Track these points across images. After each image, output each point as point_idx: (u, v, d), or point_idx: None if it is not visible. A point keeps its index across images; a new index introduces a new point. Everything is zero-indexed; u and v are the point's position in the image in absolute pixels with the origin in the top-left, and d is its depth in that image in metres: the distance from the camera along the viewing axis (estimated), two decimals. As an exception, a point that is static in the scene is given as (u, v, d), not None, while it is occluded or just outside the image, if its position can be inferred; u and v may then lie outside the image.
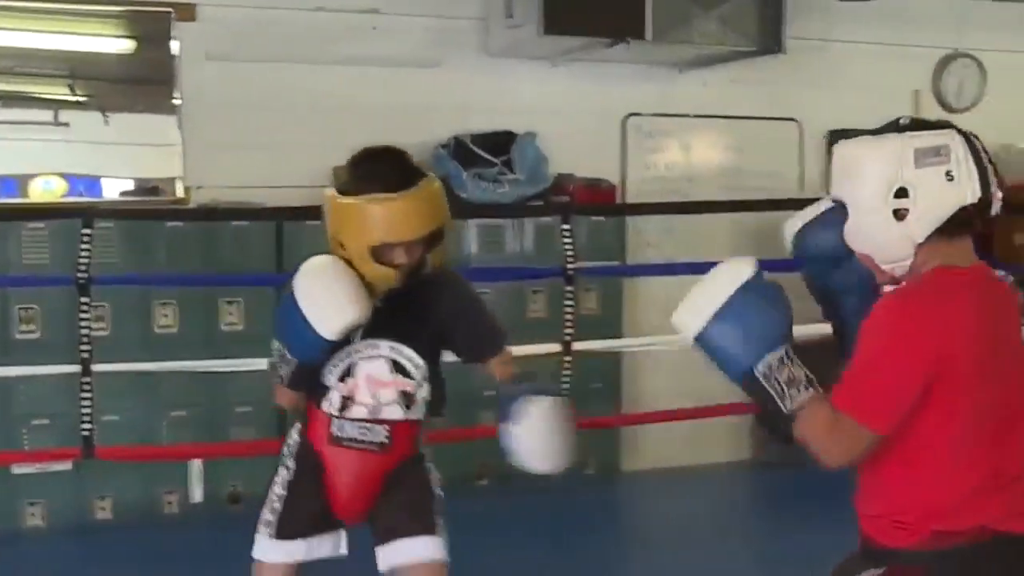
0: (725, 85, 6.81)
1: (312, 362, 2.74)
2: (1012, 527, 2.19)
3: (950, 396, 2.16)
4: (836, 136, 6.96)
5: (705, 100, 6.81)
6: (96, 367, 4.70)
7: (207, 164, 5.72)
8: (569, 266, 5.23)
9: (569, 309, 5.21)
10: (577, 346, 5.23)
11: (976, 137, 2.28)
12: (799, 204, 6.99)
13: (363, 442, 2.81)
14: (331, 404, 2.81)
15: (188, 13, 5.70)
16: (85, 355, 4.67)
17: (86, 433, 4.71)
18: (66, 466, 5.27)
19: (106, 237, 5.09)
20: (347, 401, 2.81)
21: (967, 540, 2.17)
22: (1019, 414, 2.23)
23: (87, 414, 4.69)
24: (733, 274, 2.28)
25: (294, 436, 2.93)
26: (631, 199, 6.61)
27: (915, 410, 2.16)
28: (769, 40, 6.29)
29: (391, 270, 2.69)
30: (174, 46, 5.67)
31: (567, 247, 5.25)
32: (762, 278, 2.27)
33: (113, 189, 5.69)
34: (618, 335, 5.92)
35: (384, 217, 2.64)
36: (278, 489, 2.88)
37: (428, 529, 2.81)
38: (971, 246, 2.27)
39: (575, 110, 6.50)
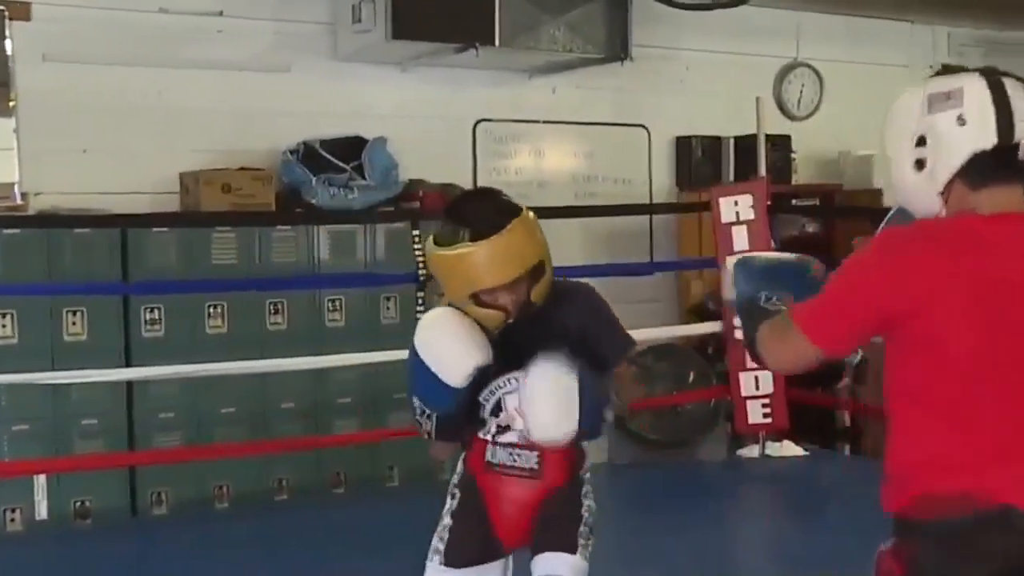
0: (574, 91, 6.93)
1: (451, 412, 2.75)
2: (1013, 500, 2.04)
3: (937, 342, 2.08)
4: (683, 142, 7.18)
5: (555, 106, 6.92)
6: (-69, 381, 4.56)
7: (46, 169, 5.57)
8: (421, 272, 5.26)
9: (421, 315, 5.24)
10: (430, 352, 5.27)
11: (1016, 79, 2.15)
12: (649, 209, 7.23)
13: (514, 468, 2.83)
14: (487, 431, 2.84)
15: (22, 12, 5.54)
16: (-81, 368, 4.52)
17: (-79, 450, 4.56)
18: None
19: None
20: (502, 429, 2.83)
21: (957, 509, 2.05)
22: None
23: (-79, 430, 4.55)
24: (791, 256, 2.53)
25: (459, 466, 2.96)
26: (482, 204, 6.63)
27: (904, 356, 2.11)
28: (616, 47, 6.41)
29: (498, 312, 2.72)
30: (7, 46, 5.51)
31: (418, 253, 5.28)
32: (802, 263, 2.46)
33: (-56, 194, 5.52)
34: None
35: (476, 265, 2.64)
36: (446, 519, 2.90)
37: (569, 548, 2.82)
38: (1013, 195, 2.14)
39: (425, 115, 6.52)
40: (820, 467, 6.34)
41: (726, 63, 7.27)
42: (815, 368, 2.28)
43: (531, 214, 2.73)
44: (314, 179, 5.85)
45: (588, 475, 2.94)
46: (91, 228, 5.32)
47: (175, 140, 5.86)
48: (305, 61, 6.19)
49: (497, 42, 6.00)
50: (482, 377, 2.73)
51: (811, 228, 7.30)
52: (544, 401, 2.63)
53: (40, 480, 5.16)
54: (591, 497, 2.92)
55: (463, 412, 2.77)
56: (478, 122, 6.72)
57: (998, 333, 2.07)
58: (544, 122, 6.90)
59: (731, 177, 7.04)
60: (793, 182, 7.36)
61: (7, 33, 5.50)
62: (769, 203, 5.97)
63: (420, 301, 5.27)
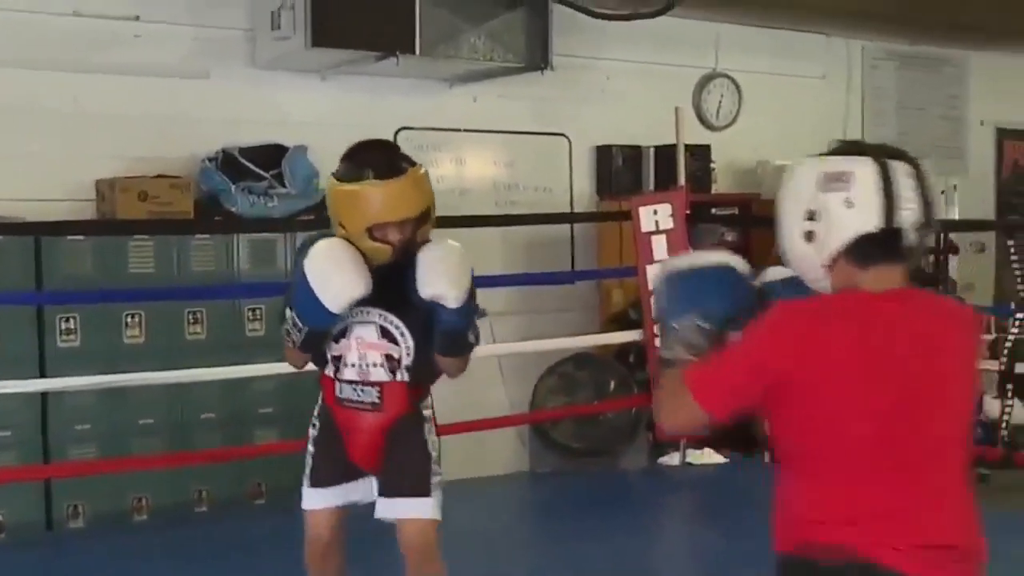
0: (495, 100, 6.94)
1: (322, 330, 3.17)
2: (879, 556, 2.17)
3: (827, 408, 2.21)
4: (604, 151, 7.23)
5: (476, 114, 6.92)
6: None
7: (-44, 175, 5.48)
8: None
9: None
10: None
11: (905, 161, 2.28)
12: (569, 218, 7.24)
13: (358, 402, 3.25)
14: (330, 368, 3.27)
15: (-70, 14, 5.45)
16: None
17: None
18: None
19: None
20: (337, 361, 3.25)
21: (828, 557, 2.19)
22: (939, 446, 2.24)
23: None
24: (716, 256, 2.51)
25: (319, 401, 3.38)
26: (404, 213, 6.63)
27: (798, 421, 2.25)
28: (536, 57, 6.43)
29: (386, 246, 3.12)
30: (-83, 50, 5.42)
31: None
32: (737, 273, 2.46)
33: None
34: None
35: (378, 200, 3.08)
36: (310, 447, 3.36)
37: (423, 491, 3.22)
38: (895, 274, 2.28)
39: (346, 123, 6.39)
40: (740, 474, 6.41)
41: (646, 73, 7.33)
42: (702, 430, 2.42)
43: (423, 168, 3.24)
44: (233, 187, 5.80)
45: (430, 412, 3.33)
46: (4, 236, 5.23)
47: (90, 146, 5.78)
48: (224, 68, 6.13)
49: (418, 51, 5.99)
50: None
51: (730, 237, 7.38)
52: (444, 262, 3.13)
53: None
54: (433, 433, 3.31)
55: (327, 332, 3.19)
56: (399, 130, 6.66)
57: (883, 403, 2.21)
58: (465, 131, 6.89)
59: (651, 186, 7.10)
60: (712, 191, 7.44)
61: (-84, 36, 5.40)
62: (688, 212, 6.03)
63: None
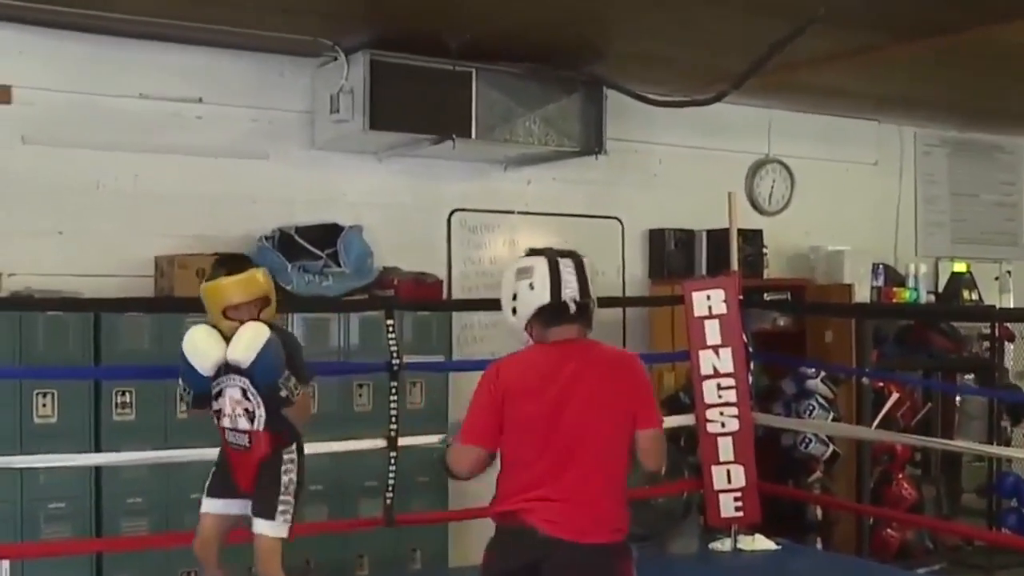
0: (548, 183, 7.02)
1: (202, 390, 4.31)
2: (532, 520, 3.33)
3: (508, 422, 3.36)
4: (656, 234, 7.25)
5: (529, 197, 7.00)
6: None
7: (21, 249, 5.58)
8: (394, 361, 5.27)
9: (394, 403, 5.26)
10: (403, 440, 5.28)
11: (570, 258, 3.44)
12: (621, 302, 7.22)
13: (235, 444, 4.33)
14: (217, 419, 4.36)
15: (3, 95, 5.56)
16: None
17: None
18: None
19: (-89, 325, 4.90)
20: (219, 414, 4.34)
21: (505, 522, 3.38)
22: (573, 452, 3.35)
23: None
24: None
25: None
26: (456, 293, 6.70)
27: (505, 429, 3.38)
28: (591, 141, 6.51)
29: (236, 323, 4.22)
30: (-14, 128, 5.55)
31: (391, 341, 5.29)
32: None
33: (-82, 275, 5.50)
34: (444, 429, 5.93)
35: (226, 290, 4.28)
36: (214, 466, 4.45)
37: (268, 514, 4.25)
38: (569, 330, 3.44)
39: (401, 204, 6.58)
40: (792, 561, 6.30)
41: (699, 158, 7.38)
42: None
43: (264, 271, 4.43)
44: (289, 266, 5.87)
45: (291, 455, 4.31)
46: (64, 311, 5.29)
47: (150, 224, 5.88)
48: (283, 148, 6.25)
49: (474, 134, 6.08)
50: (219, 372, 4.22)
51: (782, 322, 7.35)
52: (239, 336, 4.15)
53: (4, 565, 5.07)
54: (292, 472, 4.30)
55: (208, 392, 4.31)
56: (453, 212, 6.77)
57: (543, 411, 3.35)
58: (519, 213, 6.97)
59: (703, 270, 7.12)
60: (764, 276, 7.43)
61: (-14, 115, 5.53)
62: (741, 297, 6.00)
63: (393, 390, 5.26)
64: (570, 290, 3.38)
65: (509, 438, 3.39)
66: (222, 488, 4.41)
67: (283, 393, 4.23)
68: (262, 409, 4.27)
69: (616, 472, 3.46)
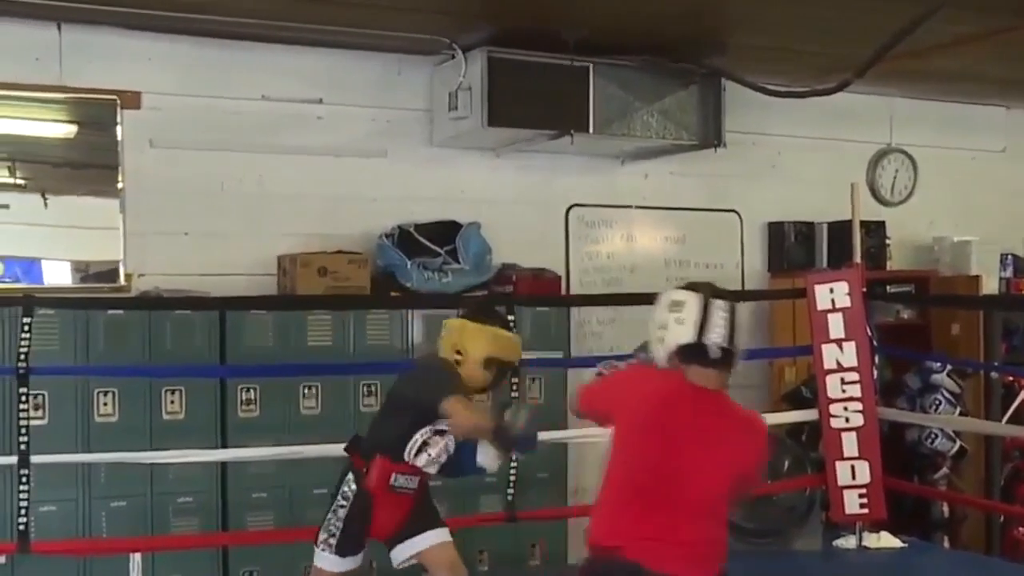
0: (666, 177, 6.94)
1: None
2: (637, 557, 3.23)
3: (617, 444, 3.33)
4: (776, 227, 7.11)
5: (647, 191, 6.93)
6: (35, 459, 4.62)
7: (149, 250, 5.69)
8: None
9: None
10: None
11: (723, 298, 3.32)
12: (740, 295, 7.15)
13: (405, 489, 4.01)
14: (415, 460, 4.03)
15: (133, 100, 5.68)
16: (23, 446, 4.58)
17: (22, 527, 4.61)
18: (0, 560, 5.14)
19: (46, 323, 5.00)
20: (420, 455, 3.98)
21: (605, 556, 3.29)
22: (694, 505, 3.28)
23: (24, 507, 4.59)
24: None
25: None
26: (574, 288, 6.66)
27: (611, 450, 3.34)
28: (709, 134, 6.41)
29: (485, 381, 4.03)
30: (118, 132, 5.65)
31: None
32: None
33: (53, 273, 5.64)
34: (563, 426, 5.90)
35: (516, 347, 4.13)
36: (342, 524, 4.03)
37: (433, 524, 4.10)
38: (709, 375, 3.32)
39: (519, 200, 6.56)
40: (918, 559, 6.13)
41: (819, 148, 7.24)
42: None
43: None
44: (409, 263, 5.90)
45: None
46: (191, 310, 5.38)
47: (273, 223, 5.95)
48: (401, 147, 6.26)
49: (591, 129, 6.03)
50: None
51: (906, 315, 7.16)
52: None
53: (136, 558, 5.16)
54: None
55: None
56: (571, 207, 6.74)
57: (670, 451, 3.25)
58: (636, 207, 6.91)
59: (824, 262, 6.98)
60: (887, 268, 7.24)
61: (119, 120, 5.65)
62: (864, 290, 5.85)
63: (514, 387, 5.24)
64: (716, 335, 3.28)
65: (623, 461, 3.34)
66: (356, 545, 4.07)
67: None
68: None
69: (723, 532, 3.45)
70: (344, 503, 4.04)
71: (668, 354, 3.32)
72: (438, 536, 4.06)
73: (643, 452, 3.29)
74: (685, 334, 3.27)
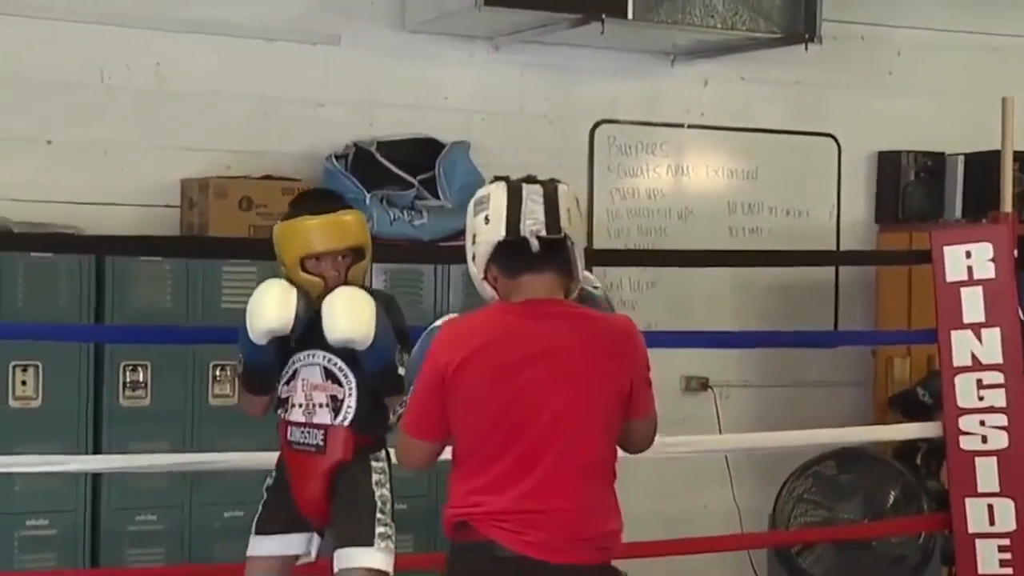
0: (734, 84, 6.96)
1: (254, 363, 4.31)
2: (494, 535, 3.41)
3: (460, 410, 3.45)
4: (889, 159, 7.05)
5: (706, 104, 6.93)
6: None
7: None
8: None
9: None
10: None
11: (539, 184, 3.46)
12: (835, 258, 7.10)
13: (303, 445, 4.31)
14: (281, 410, 4.36)
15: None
16: None
17: None
18: None
19: None
20: (285, 403, 4.33)
21: (460, 537, 3.47)
22: (547, 450, 3.42)
23: None
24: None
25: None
26: (599, 239, 6.67)
27: (454, 420, 3.49)
28: (798, 25, 6.40)
29: (318, 279, 4.23)
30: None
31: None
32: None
33: None
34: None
35: (309, 231, 4.26)
36: (264, 493, 4.43)
37: (366, 541, 4.24)
38: (539, 280, 3.47)
39: (525, 112, 6.58)
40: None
41: (955, 46, 7.24)
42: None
43: (359, 214, 4.40)
44: (368, 196, 5.92)
45: (383, 465, 4.33)
46: (55, 253, 5.34)
47: (175, 133, 5.95)
48: (359, 31, 6.27)
49: (630, 14, 6.02)
50: (285, 346, 4.27)
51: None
52: (343, 304, 4.15)
53: None
54: (385, 487, 4.33)
55: (265, 368, 4.32)
56: (597, 124, 6.75)
57: (507, 396, 3.42)
58: (690, 126, 6.93)
59: (958, 213, 6.98)
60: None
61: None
62: (1016, 254, 5.79)
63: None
64: (532, 222, 3.42)
65: (463, 426, 3.50)
66: (277, 520, 4.37)
67: (401, 372, 4.17)
68: (353, 398, 4.29)
69: (604, 475, 3.55)
70: (272, 470, 4.47)
71: (483, 266, 3.48)
72: (373, 560, 4.25)
73: (476, 405, 3.45)
74: (495, 232, 3.45)
